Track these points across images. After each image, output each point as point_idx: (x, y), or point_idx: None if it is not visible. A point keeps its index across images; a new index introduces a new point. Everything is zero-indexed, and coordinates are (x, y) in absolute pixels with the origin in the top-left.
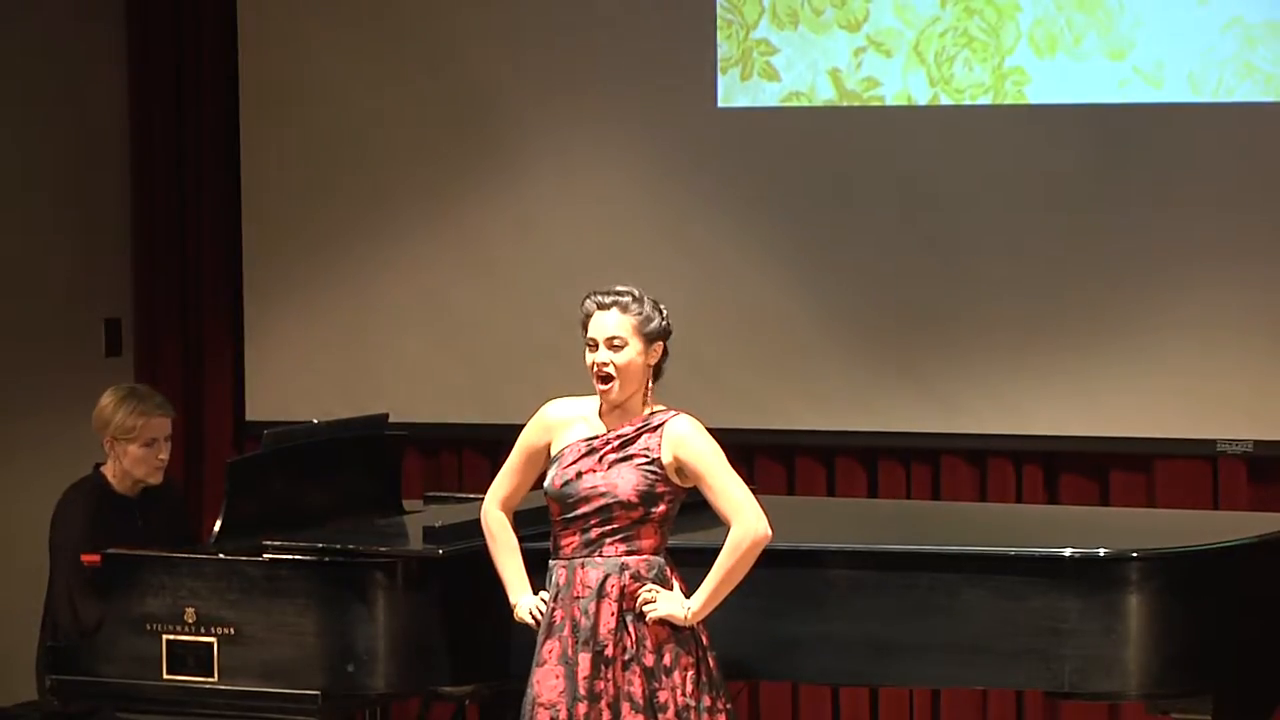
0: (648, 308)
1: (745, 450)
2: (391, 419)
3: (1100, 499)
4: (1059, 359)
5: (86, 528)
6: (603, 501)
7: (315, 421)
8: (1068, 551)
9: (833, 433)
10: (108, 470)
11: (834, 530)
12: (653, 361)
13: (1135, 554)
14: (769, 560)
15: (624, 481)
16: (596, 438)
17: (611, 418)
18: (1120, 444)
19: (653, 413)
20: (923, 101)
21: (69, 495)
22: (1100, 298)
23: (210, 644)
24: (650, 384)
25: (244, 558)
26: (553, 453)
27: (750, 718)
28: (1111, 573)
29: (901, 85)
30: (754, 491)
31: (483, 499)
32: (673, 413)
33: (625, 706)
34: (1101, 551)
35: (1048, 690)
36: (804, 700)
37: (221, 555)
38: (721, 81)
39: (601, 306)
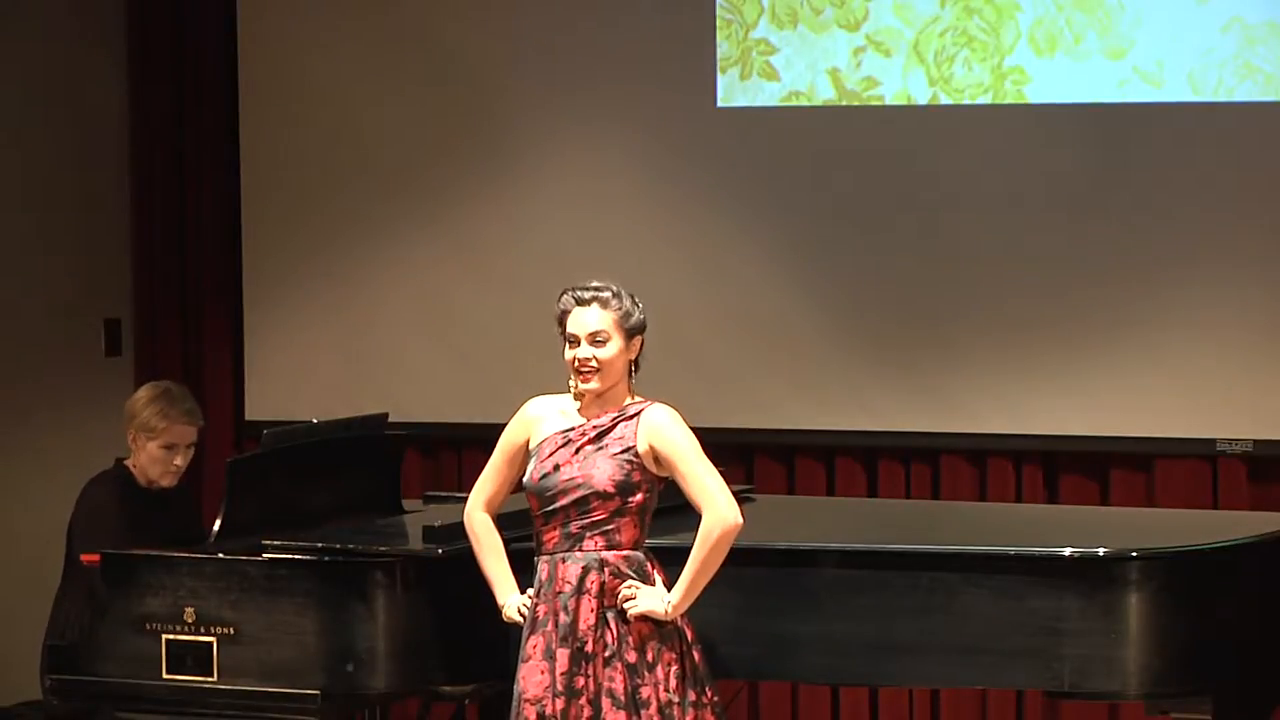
0: (627, 303)
1: (745, 450)
2: (391, 419)
3: (1100, 499)
4: (1059, 359)
5: (110, 518)
6: (580, 493)
7: (315, 421)
8: (1068, 551)
9: (833, 432)
10: (130, 463)
11: (834, 530)
12: (633, 356)
13: (1135, 554)
14: (769, 560)
15: (600, 471)
16: (573, 429)
17: (590, 411)
18: (1120, 444)
19: (630, 403)
20: (922, 101)
21: (92, 487)
22: (1100, 297)
23: (210, 644)
24: (631, 377)
25: (244, 557)
26: (531, 448)
27: (750, 718)
28: (1111, 572)
29: (901, 85)
30: (754, 491)
31: None
32: (649, 402)
33: (606, 703)
34: (1101, 551)
35: (1047, 690)
36: (804, 700)
37: (221, 555)
38: (721, 81)
39: (581, 302)
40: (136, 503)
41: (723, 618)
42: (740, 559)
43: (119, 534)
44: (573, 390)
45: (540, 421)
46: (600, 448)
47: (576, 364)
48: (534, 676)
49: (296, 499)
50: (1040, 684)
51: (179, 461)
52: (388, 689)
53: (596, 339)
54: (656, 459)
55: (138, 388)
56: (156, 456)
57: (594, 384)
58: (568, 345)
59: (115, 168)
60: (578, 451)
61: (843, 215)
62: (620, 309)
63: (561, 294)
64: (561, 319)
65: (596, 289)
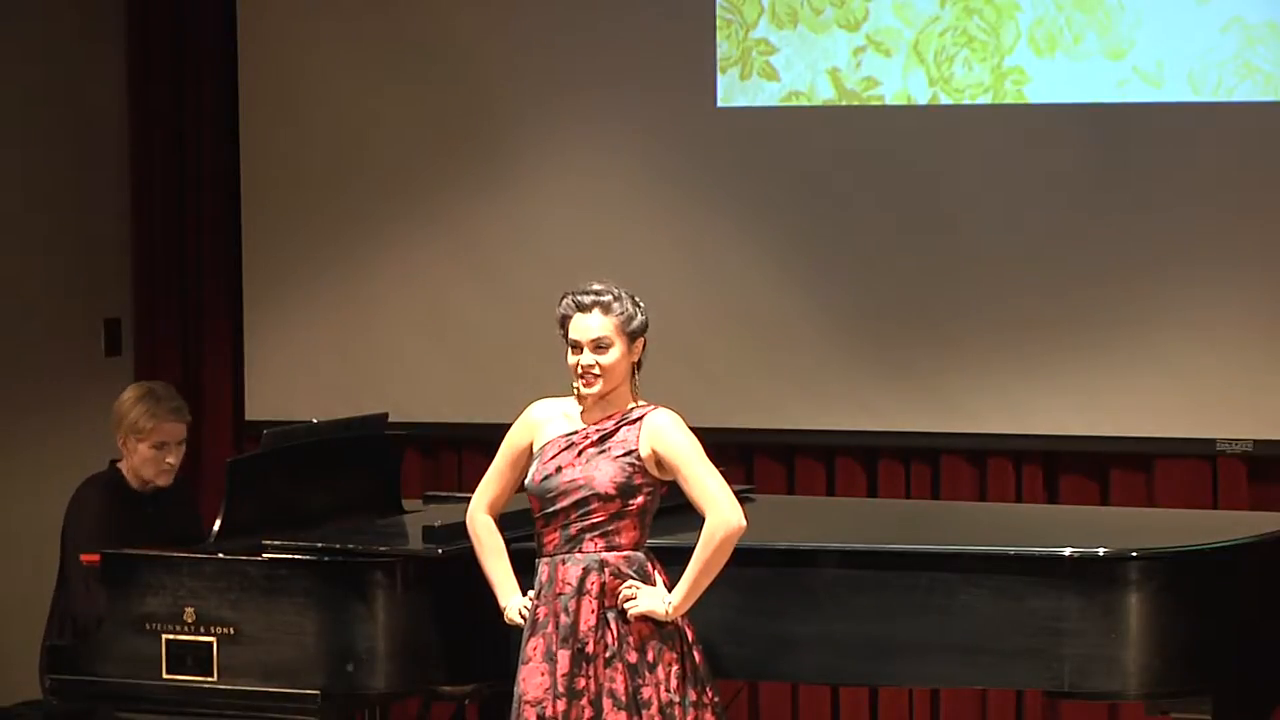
0: (628, 306)
1: (745, 450)
2: (391, 419)
3: (1100, 499)
4: (1059, 359)
5: (100, 522)
6: (580, 495)
7: (315, 421)
8: (1068, 551)
9: (833, 432)
10: (123, 466)
11: (834, 530)
12: (635, 358)
13: (1135, 553)
14: (769, 560)
15: (601, 474)
16: (576, 433)
17: (594, 413)
18: (1120, 444)
19: (634, 406)
20: (922, 101)
21: (83, 491)
22: (1100, 297)
23: (210, 644)
24: (634, 379)
25: (244, 557)
26: (534, 450)
27: (750, 718)
28: (1111, 572)
29: (901, 85)
30: (754, 491)
31: None
32: (652, 407)
33: (607, 703)
34: (1101, 551)
35: (1047, 690)
36: (804, 700)
37: (221, 555)
38: (721, 81)
39: (582, 308)
40: (127, 505)
41: (723, 618)
42: (740, 559)
43: (107, 536)
44: (576, 395)
45: (544, 425)
46: (603, 451)
47: (579, 370)
48: (534, 678)
49: (296, 499)
50: (1040, 684)
51: (171, 460)
52: (388, 689)
53: (599, 345)
54: (659, 463)
55: None
56: (148, 457)
57: (597, 388)
58: (570, 351)
59: (115, 168)
60: (580, 454)
61: (843, 215)
62: (622, 313)
63: (562, 298)
64: (563, 323)
65: (597, 294)
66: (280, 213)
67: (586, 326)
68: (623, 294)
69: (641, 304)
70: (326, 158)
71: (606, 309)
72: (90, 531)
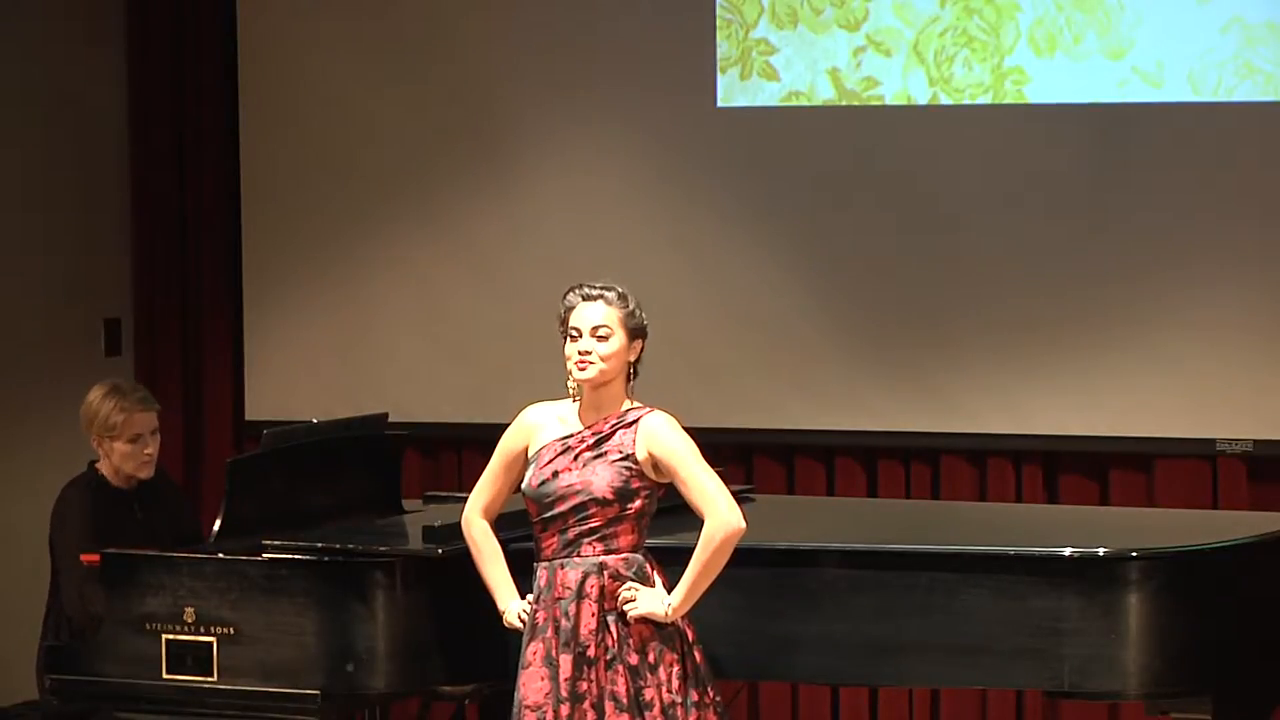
0: (631, 304)
1: (745, 450)
2: (391, 419)
3: (1100, 499)
4: (1059, 359)
5: (86, 523)
6: (578, 499)
7: (315, 421)
8: (1068, 551)
9: (832, 432)
10: (102, 466)
11: (834, 530)
12: (632, 358)
13: (1135, 553)
14: (769, 560)
15: (599, 478)
16: (572, 436)
17: (589, 416)
18: (1120, 444)
19: (629, 409)
20: (922, 101)
21: (66, 493)
22: (1100, 297)
23: (210, 644)
24: (630, 382)
25: (243, 557)
26: (530, 454)
27: (750, 718)
28: (1111, 572)
29: (901, 85)
30: (754, 491)
31: None
32: (648, 409)
33: (609, 706)
34: (1101, 551)
35: (1048, 690)
36: (804, 700)
37: (221, 555)
38: (721, 81)
39: (588, 298)
40: (112, 504)
41: (723, 618)
42: (740, 559)
43: (96, 535)
44: (571, 391)
45: (539, 429)
46: (599, 455)
47: (576, 355)
48: (534, 683)
49: (296, 499)
50: (1040, 684)
51: (150, 450)
52: (388, 689)
53: (598, 332)
54: (656, 465)
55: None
56: (126, 452)
57: (589, 374)
58: (569, 340)
59: (115, 168)
60: (577, 458)
61: (842, 215)
62: (625, 308)
63: (567, 291)
64: (566, 316)
65: (604, 287)
66: (280, 213)
67: (589, 315)
68: (628, 294)
69: (643, 311)
70: (326, 158)
71: (610, 302)
72: (80, 532)
